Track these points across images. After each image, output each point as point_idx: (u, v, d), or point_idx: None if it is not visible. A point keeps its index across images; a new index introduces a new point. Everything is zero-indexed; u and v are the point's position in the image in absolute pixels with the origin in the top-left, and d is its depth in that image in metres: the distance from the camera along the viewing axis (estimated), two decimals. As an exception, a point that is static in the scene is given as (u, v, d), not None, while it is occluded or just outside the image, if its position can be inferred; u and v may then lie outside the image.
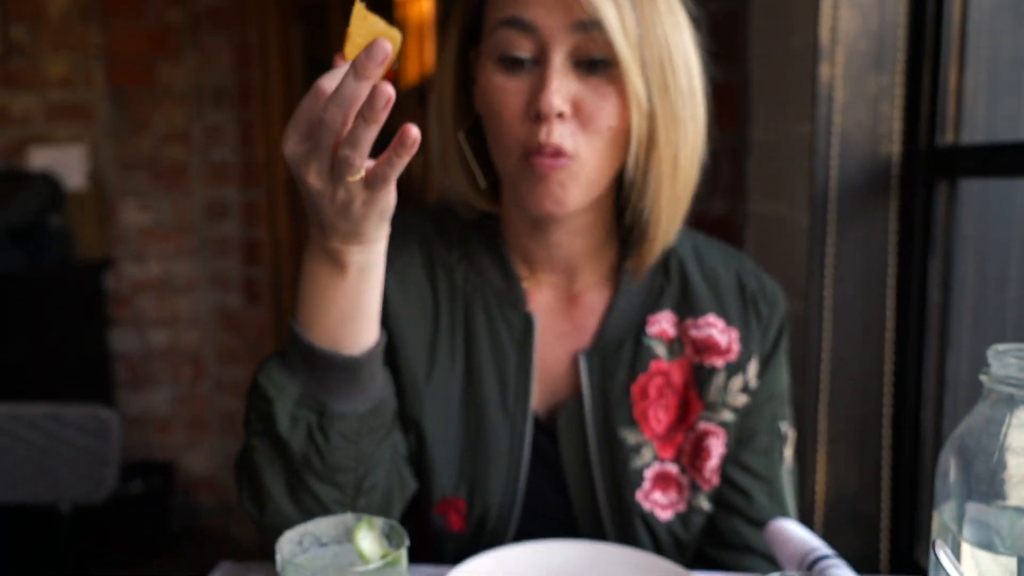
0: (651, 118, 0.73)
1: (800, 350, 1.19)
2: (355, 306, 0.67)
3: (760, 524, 0.84)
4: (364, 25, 0.59)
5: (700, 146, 0.78)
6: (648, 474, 0.82)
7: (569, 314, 0.85)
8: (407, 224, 0.87)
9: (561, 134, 0.71)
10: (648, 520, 0.82)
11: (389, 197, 0.62)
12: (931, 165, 1.08)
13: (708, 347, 0.83)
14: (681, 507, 0.83)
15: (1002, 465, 0.61)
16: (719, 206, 1.52)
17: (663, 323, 0.83)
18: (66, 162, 2.86)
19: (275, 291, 2.82)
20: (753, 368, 0.84)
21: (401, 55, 0.59)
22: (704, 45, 0.77)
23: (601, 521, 0.83)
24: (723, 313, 0.84)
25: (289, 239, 2.80)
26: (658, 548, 0.83)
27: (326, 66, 0.63)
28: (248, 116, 2.75)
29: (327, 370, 0.68)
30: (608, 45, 0.70)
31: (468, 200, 0.83)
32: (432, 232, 0.86)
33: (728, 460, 0.85)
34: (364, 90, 0.56)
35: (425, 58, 2.31)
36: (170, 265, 3.08)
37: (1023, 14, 1.04)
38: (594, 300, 0.85)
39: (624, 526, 0.82)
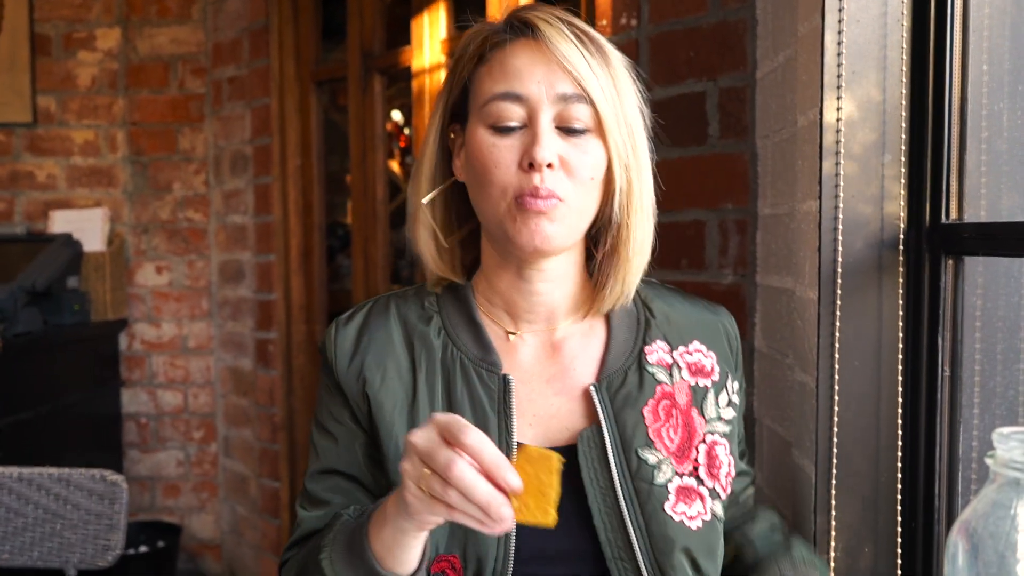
0: (627, 169, 0.90)
1: (810, 424, 1.19)
2: (416, 548, 0.80)
3: (745, 474, 1.04)
4: (532, 467, 0.73)
5: (653, 200, 0.94)
6: (672, 487, 0.90)
7: (554, 359, 0.95)
8: (386, 304, 0.99)
9: (553, 180, 0.86)
10: (680, 531, 0.89)
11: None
12: (936, 242, 1.10)
13: (699, 370, 0.96)
14: (707, 516, 0.91)
15: (1011, 547, 0.61)
16: (728, 278, 1.54)
17: (659, 352, 0.95)
18: (86, 225, 2.92)
19: (287, 354, 2.84)
20: (731, 385, 0.98)
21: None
22: (649, 121, 0.94)
23: (630, 541, 0.88)
24: (704, 339, 0.98)
25: (302, 303, 2.83)
26: (693, 560, 0.89)
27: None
28: (265, 182, 2.81)
29: None
30: (585, 116, 0.87)
31: (432, 266, 0.96)
32: (413, 310, 0.98)
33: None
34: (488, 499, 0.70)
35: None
36: (184, 327, 3.11)
37: (1018, 96, 1.07)
38: (576, 341, 0.96)
39: (656, 542, 0.88)
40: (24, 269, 2.59)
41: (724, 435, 0.95)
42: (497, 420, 0.90)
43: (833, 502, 1.14)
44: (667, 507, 0.89)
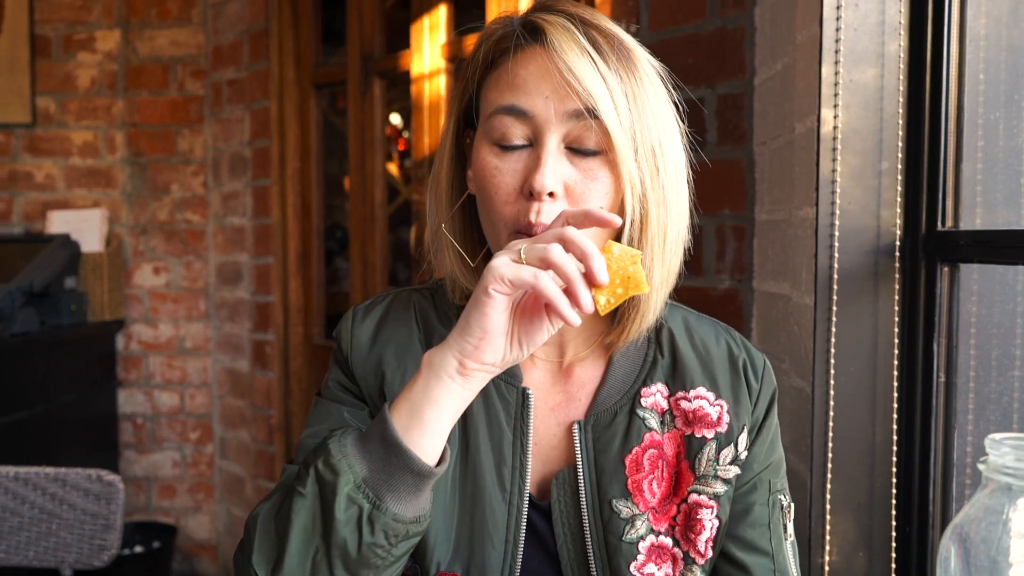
0: (643, 200, 0.79)
1: (806, 429, 1.19)
2: (448, 420, 0.72)
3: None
4: (615, 260, 0.71)
5: (685, 228, 0.83)
6: (643, 547, 0.83)
7: (561, 386, 0.87)
8: (408, 300, 0.91)
9: (551, 213, 0.76)
10: None
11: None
12: (932, 249, 1.10)
13: (698, 419, 0.85)
14: None
15: (1003, 552, 0.61)
16: (725, 283, 1.54)
17: (656, 395, 0.86)
18: (84, 226, 2.92)
19: (284, 356, 2.84)
20: (744, 440, 0.86)
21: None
22: (686, 133, 0.83)
23: None
24: (713, 386, 0.86)
25: (300, 305, 2.83)
26: None
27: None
28: (264, 184, 2.81)
29: (401, 469, 0.71)
30: (600, 135, 0.76)
31: (457, 281, 0.86)
32: (430, 308, 0.90)
33: (726, 536, 0.86)
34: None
35: (438, 134, 2.37)
36: (181, 328, 3.11)
37: (1013, 105, 1.08)
38: (585, 373, 0.87)
39: None
40: (22, 269, 2.59)
41: (714, 496, 0.84)
42: (512, 437, 0.84)
43: (828, 507, 1.15)
44: (633, 567, 0.82)
